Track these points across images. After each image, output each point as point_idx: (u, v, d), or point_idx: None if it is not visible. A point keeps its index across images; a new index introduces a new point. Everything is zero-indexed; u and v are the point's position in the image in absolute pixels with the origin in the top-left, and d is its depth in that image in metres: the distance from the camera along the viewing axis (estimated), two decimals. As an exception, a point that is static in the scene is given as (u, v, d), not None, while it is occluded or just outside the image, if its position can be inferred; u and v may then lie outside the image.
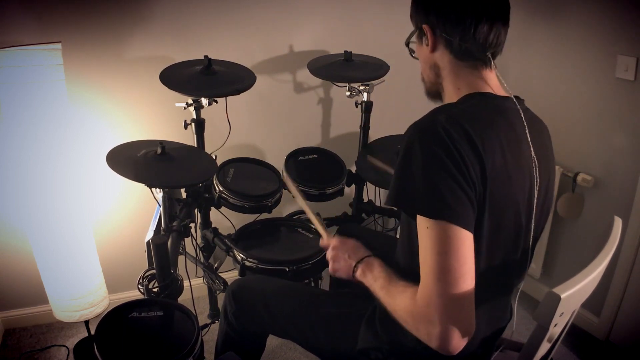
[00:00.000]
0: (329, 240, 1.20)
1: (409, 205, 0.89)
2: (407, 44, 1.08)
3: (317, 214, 1.36)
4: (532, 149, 0.96)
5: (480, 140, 0.87)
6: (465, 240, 0.84)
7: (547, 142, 1.04)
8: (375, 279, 1.02)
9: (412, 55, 1.09)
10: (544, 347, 0.97)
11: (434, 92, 1.06)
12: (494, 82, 0.99)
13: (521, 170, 0.95)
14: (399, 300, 0.93)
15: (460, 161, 0.84)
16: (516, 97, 0.99)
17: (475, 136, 0.87)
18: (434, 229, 0.84)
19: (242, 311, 1.31)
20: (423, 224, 0.86)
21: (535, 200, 0.98)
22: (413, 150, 0.86)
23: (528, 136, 0.96)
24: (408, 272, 1.04)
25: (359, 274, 1.07)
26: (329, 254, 1.16)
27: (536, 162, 0.97)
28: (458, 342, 0.84)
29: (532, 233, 0.99)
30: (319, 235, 1.68)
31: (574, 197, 2.02)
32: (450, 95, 1.01)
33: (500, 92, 0.99)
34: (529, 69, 2.20)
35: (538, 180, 0.97)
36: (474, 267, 0.85)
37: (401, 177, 0.89)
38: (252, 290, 1.34)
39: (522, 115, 0.96)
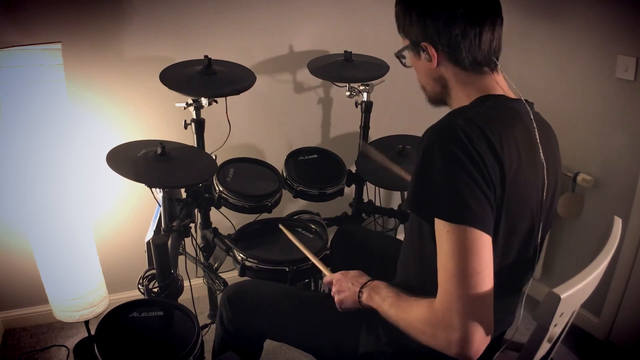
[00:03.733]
0: (331, 276, 1.18)
1: (429, 210, 0.87)
2: (397, 56, 1.06)
3: (317, 255, 1.37)
4: (541, 152, 0.96)
5: (499, 143, 0.86)
6: (486, 244, 0.83)
7: (554, 145, 1.04)
8: (383, 299, 1.01)
9: (404, 65, 1.07)
10: (544, 347, 0.97)
11: (438, 100, 1.05)
12: (503, 84, 0.99)
13: (535, 172, 0.95)
14: (414, 312, 0.92)
15: (481, 164, 0.83)
16: (525, 100, 0.98)
17: (494, 139, 0.86)
18: (455, 233, 0.83)
19: (239, 317, 1.29)
20: (443, 228, 0.84)
21: (544, 202, 0.98)
22: (432, 153, 0.85)
23: (538, 139, 0.95)
24: (416, 278, 1.02)
25: (365, 297, 1.05)
26: (334, 289, 1.14)
27: (545, 165, 0.96)
28: (478, 347, 0.83)
29: (540, 234, 0.99)
30: (319, 235, 1.69)
31: (574, 197, 2.02)
32: (460, 101, 0.99)
33: (510, 94, 0.98)
34: (529, 69, 2.20)
35: (547, 182, 0.97)
36: (492, 270, 0.85)
37: (420, 181, 0.87)
38: (248, 296, 1.32)
39: (532, 119, 0.96)
